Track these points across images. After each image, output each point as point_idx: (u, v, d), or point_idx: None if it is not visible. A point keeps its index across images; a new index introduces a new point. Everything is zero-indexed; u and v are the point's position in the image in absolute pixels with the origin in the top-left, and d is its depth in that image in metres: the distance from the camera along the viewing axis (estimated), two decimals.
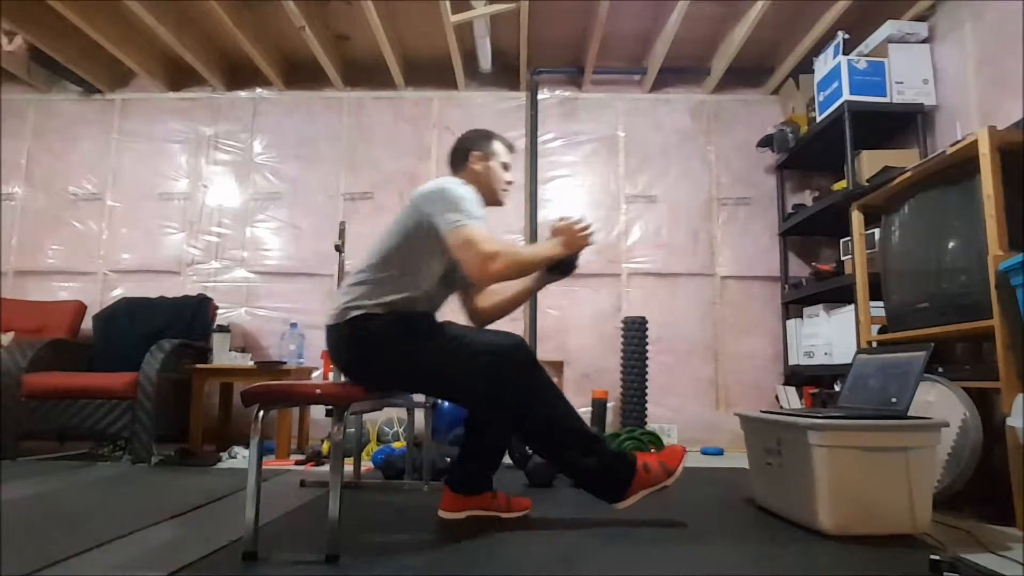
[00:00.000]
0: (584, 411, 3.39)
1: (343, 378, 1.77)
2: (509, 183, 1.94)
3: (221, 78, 3.94)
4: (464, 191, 1.69)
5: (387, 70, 3.77)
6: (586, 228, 1.76)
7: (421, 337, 1.67)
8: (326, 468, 2.82)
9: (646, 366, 3.39)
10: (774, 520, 1.82)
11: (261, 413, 1.46)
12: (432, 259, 1.71)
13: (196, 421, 3.12)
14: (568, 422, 1.68)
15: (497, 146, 1.90)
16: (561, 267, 1.82)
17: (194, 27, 3.57)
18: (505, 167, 1.91)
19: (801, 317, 3.46)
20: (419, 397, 2.30)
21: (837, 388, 2.93)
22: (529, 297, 2.02)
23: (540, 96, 3.92)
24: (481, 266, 1.60)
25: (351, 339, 1.66)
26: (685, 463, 1.74)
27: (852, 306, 2.81)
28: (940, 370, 2.19)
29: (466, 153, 1.88)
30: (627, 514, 1.81)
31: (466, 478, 1.77)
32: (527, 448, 2.59)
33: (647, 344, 3.41)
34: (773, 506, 1.89)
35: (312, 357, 3.54)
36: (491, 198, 1.88)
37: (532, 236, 3.73)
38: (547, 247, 1.75)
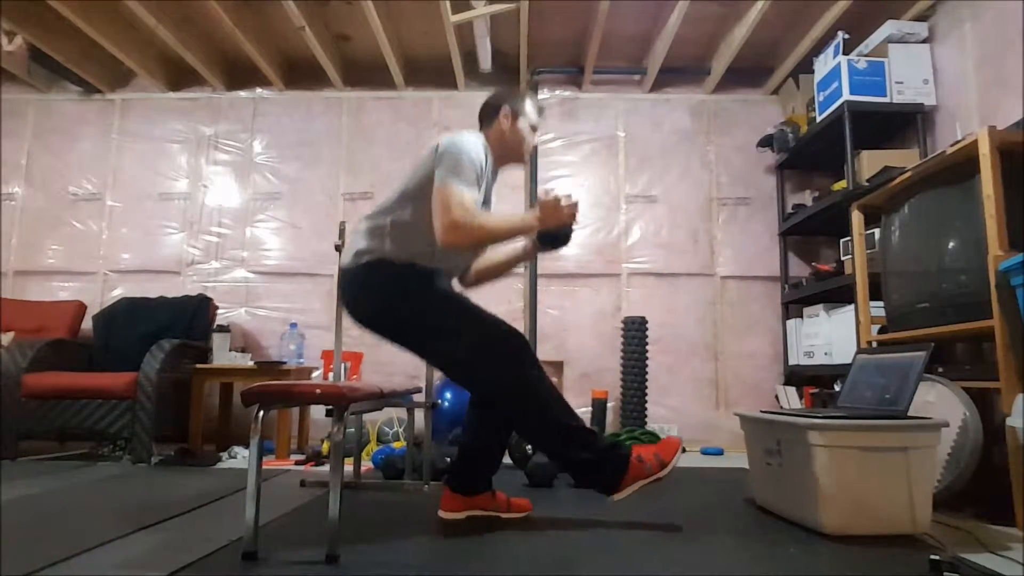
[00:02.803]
0: (584, 411, 3.40)
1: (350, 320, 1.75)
2: (534, 146, 1.94)
3: (221, 78, 3.94)
4: (472, 152, 1.67)
5: (387, 70, 3.77)
6: (572, 206, 1.71)
7: (433, 295, 1.69)
8: (326, 468, 2.82)
9: (646, 366, 3.39)
10: (774, 520, 1.82)
11: (261, 413, 1.46)
12: None
13: (196, 421, 3.12)
14: (562, 415, 1.68)
15: (528, 106, 1.89)
16: (552, 240, 1.78)
17: (194, 27, 3.57)
18: (533, 128, 1.91)
19: (801, 317, 3.46)
20: (419, 397, 2.31)
21: (837, 388, 2.93)
22: (517, 265, 1.99)
23: (540, 96, 3.92)
24: (442, 230, 1.59)
25: (364, 284, 1.68)
26: (680, 456, 1.73)
27: (852, 306, 2.81)
28: (940, 370, 2.20)
29: (496, 109, 1.87)
30: (627, 514, 1.81)
31: (466, 478, 1.77)
32: (528, 448, 2.59)
33: (647, 344, 3.41)
34: (773, 506, 1.89)
35: (312, 357, 3.55)
36: (515, 157, 1.89)
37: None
38: (521, 220, 1.72)
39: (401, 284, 1.67)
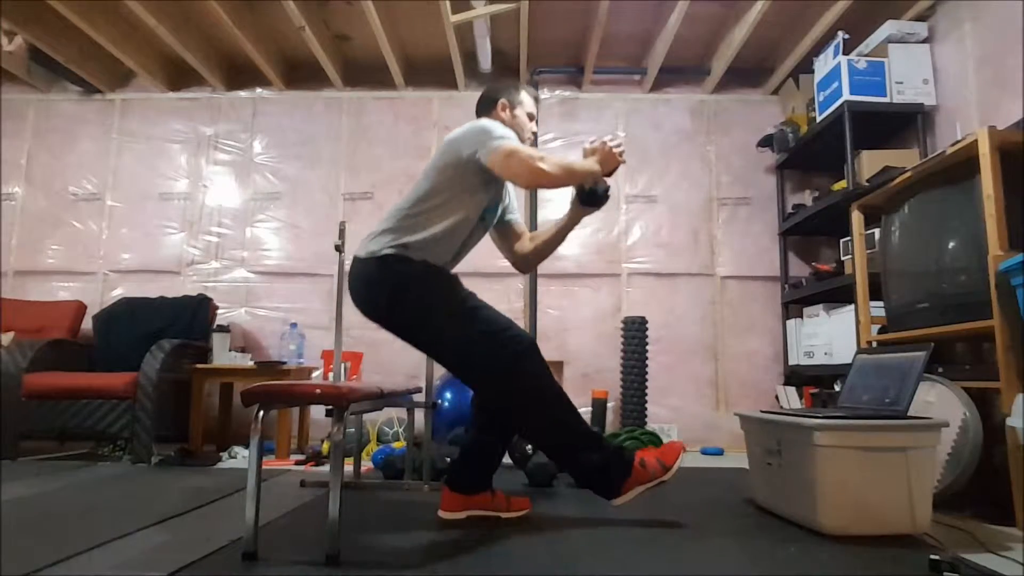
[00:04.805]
0: (584, 411, 3.39)
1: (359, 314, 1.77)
2: (534, 133, 1.99)
3: (221, 78, 3.94)
4: (498, 124, 1.77)
5: (387, 70, 3.77)
6: (619, 146, 1.78)
7: (446, 293, 1.70)
8: (326, 468, 2.82)
9: (646, 366, 3.39)
10: (774, 520, 1.82)
11: (261, 413, 1.46)
12: (470, 196, 1.74)
13: (196, 421, 3.12)
14: (568, 417, 1.69)
15: (524, 96, 1.95)
16: (594, 198, 1.86)
17: (194, 27, 3.57)
18: (530, 117, 1.96)
19: (801, 317, 3.46)
20: (419, 397, 2.31)
21: (837, 388, 2.93)
22: (567, 234, 2.01)
23: (540, 96, 3.92)
24: (531, 169, 1.64)
25: (376, 277, 1.69)
26: (683, 460, 1.74)
27: (852, 306, 2.81)
28: (940, 370, 2.19)
29: (493, 102, 1.93)
30: (627, 514, 1.81)
31: (466, 477, 1.77)
32: (528, 448, 2.59)
33: (647, 344, 3.41)
34: (773, 506, 1.89)
35: (312, 357, 3.54)
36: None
37: None
38: (589, 163, 1.77)
39: (413, 280, 1.68)
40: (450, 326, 1.68)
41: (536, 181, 1.70)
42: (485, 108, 1.94)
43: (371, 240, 1.73)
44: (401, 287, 1.68)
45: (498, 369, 1.66)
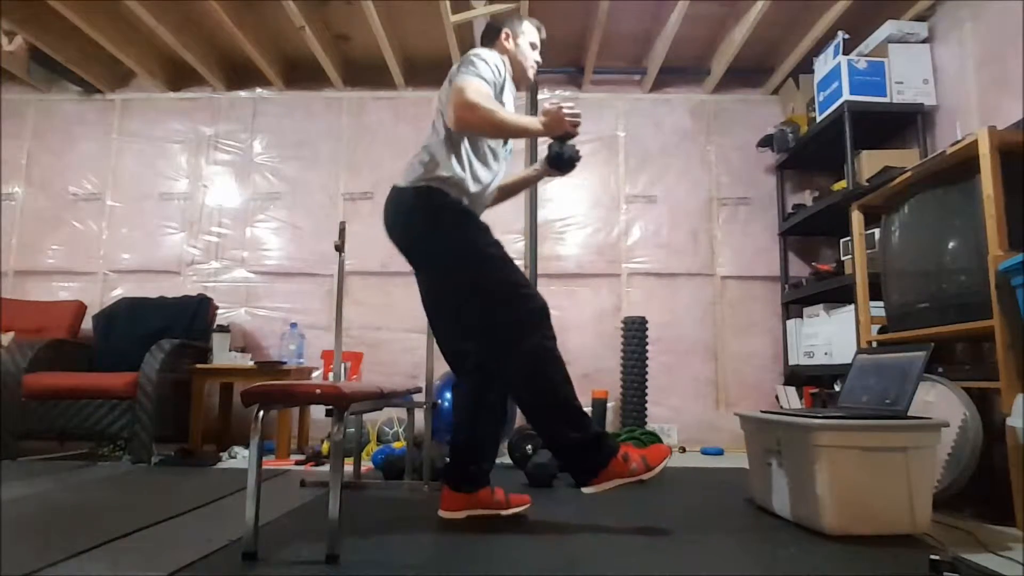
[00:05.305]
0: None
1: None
2: (537, 63, 2.02)
3: (221, 78, 3.94)
4: (488, 56, 1.77)
5: (387, 70, 3.77)
6: (574, 116, 1.76)
7: (481, 235, 1.73)
8: (326, 468, 2.82)
9: (646, 366, 3.39)
10: (774, 520, 1.82)
11: (261, 413, 1.46)
12: None
13: (196, 421, 3.12)
14: (564, 391, 1.69)
15: (526, 26, 1.98)
16: (559, 160, 1.88)
17: (194, 27, 3.57)
18: (533, 46, 1.99)
19: (801, 317, 3.46)
20: (419, 397, 2.31)
21: (837, 388, 2.93)
22: (529, 186, 2.09)
23: (540, 96, 3.92)
24: (457, 111, 1.66)
25: (414, 204, 1.72)
26: (667, 464, 1.71)
27: (852, 306, 2.81)
28: (940, 370, 2.20)
29: (497, 31, 1.96)
30: (627, 514, 1.81)
31: (463, 475, 1.77)
32: (528, 448, 2.59)
33: (647, 344, 3.41)
34: (773, 506, 1.89)
35: (312, 357, 3.54)
36: (520, 75, 1.97)
37: (532, 236, 3.73)
38: (528, 121, 1.76)
39: (451, 212, 1.72)
40: (478, 266, 1.71)
41: (462, 116, 1.65)
42: (489, 39, 1.98)
43: (410, 170, 1.77)
44: (439, 219, 1.71)
45: (513, 320, 1.68)
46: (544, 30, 2.04)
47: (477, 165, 1.79)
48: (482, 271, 1.71)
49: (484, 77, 1.71)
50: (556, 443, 1.72)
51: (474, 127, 1.70)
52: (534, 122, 1.75)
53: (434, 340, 2.31)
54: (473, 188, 1.78)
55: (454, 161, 1.74)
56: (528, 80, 2.01)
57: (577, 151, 1.89)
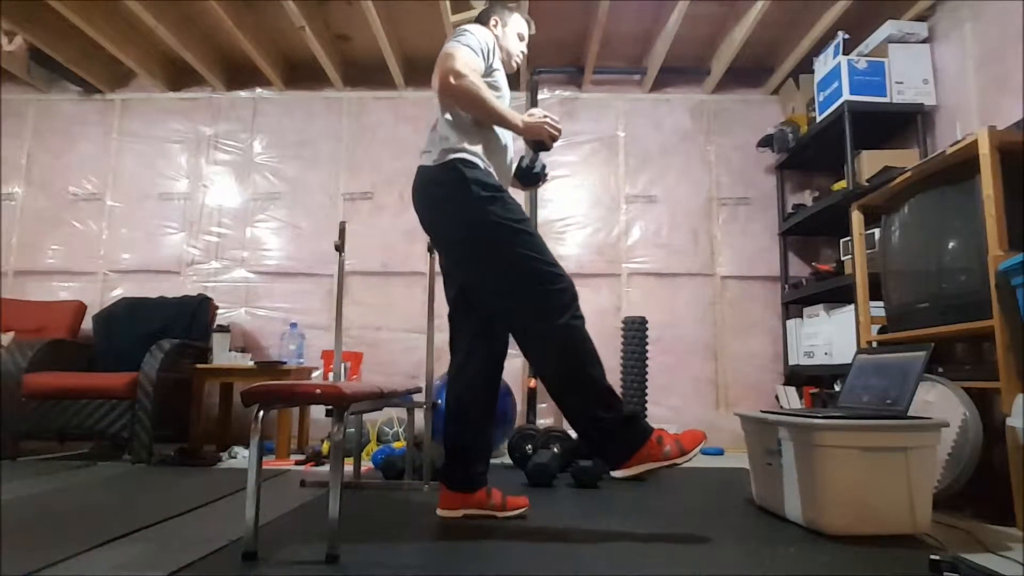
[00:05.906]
0: None
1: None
2: (523, 53, 2.03)
3: (221, 78, 3.94)
4: (478, 32, 1.78)
5: (387, 70, 3.77)
6: (556, 128, 1.77)
7: (515, 210, 1.71)
8: (326, 468, 2.82)
9: (646, 366, 3.38)
10: (774, 520, 1.82)
11: (261, 413, 1.46)
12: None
13: (196, 421, 3.12)
14: (595, 371, 1.67)
15: (515, 17, 2.00)
16: (528, 174, 1.94)
17: (194, 27, 3.57)
18: (520, 37, 2.01)
19: (801, 317, 3.46)
20: (419, 397, 2.30)
21: (837, 388, 2.93)
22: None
23: (540, 96, 3.92)
24: (442, 77, 1.67)
25: (444, 178, 1.71)
26: (701, 448, 1.67)
27: (852, 306, 2.81)
28: (940, 370, 2.20)
29: (487, 18, 1.98)
30: (627, 514, 1.81)
31: (461, 474, 1.77)
32: (527, 448, 2.59)
33: (647, 344, 3.40)
34: (773, 506, 1.89)
35: (312, 357, 3.54)
36: (504, 61, 1.96)
37: None
38: (509, 114, 1.74)
39: (482, 186, 1.69)
40: (510, 239, 1.67)
41: (444, 84, 1.65)
42: (480, 23, 1.98)
43: (432, 148, 1.76)
44: (470, 192, 1.68)
45: (543, 297, 1.66)
46: (533, 25, 2.06)
47: (488, 132, 1.79)
48: (514, 245, 1.67)
49: (473, 47, 1.72)
50: (586, 424, 1.66)
51: (455, 96, 1.69)
52: (515, 116, 1.73)
53: (434, 341, 2.32)
54: (495, 157, 1.78)
55: (471, 133, 1.75)
56: (511, 68, 2.01)
57: (546, 170, 1.93)
